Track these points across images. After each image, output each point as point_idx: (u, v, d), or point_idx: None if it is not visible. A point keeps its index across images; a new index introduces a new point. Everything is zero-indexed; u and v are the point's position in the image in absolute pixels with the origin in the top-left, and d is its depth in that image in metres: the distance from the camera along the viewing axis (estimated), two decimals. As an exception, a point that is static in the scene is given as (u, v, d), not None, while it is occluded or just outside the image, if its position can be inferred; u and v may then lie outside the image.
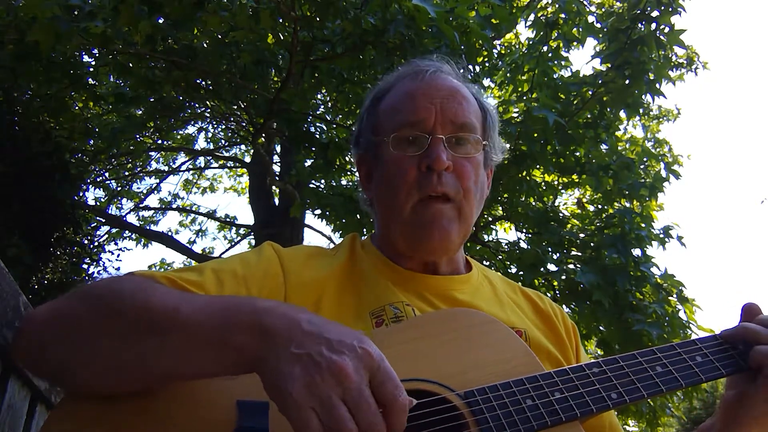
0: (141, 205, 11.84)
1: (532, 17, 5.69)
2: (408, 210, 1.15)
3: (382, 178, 1.20)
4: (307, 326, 0.78)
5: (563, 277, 5.22)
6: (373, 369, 0.75)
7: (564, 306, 5.65)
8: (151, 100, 6.45)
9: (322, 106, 7.79)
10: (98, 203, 10.46)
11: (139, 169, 11.10)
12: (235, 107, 7.64)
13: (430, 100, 1.17)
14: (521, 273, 5.27)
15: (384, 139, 1.19)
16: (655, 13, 4.72)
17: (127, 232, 10.89)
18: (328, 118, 6.84)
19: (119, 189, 11.26)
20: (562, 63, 5.67)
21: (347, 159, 5.96)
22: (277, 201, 9.15)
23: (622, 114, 5.49)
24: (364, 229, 5.55)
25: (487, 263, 6.65)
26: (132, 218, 11.62)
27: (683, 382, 0.97)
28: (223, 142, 11.12)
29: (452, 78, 1.24)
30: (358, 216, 5.57)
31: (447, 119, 1.16)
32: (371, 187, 1.27)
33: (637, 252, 5.16)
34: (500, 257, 6.36)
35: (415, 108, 1.17)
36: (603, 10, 5.83)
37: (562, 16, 5.34)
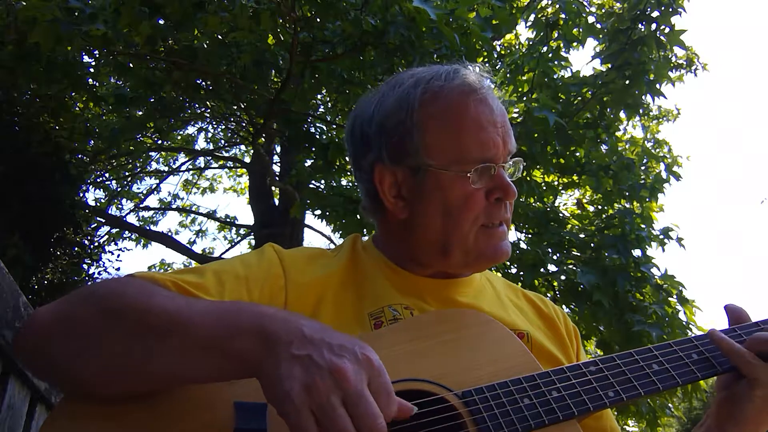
0: (141, 206, 11.87)
1: (532, 18, 5.69)
2: (472, 237, 1.12)
3: (441, 206, 1.12)
4: (309, 331, 0.78)
5: (563, 278, 5.21)
6: (372, 376, 0.75)
7: (564, 306, 5.64)
8: (151, 100, 6.45)
9: (322, 107, 7.79)
10: (98, 203, 10.47)
11: (139, 170, 11.12)
12: (235, 108, 7.64)
13: (496, 130, 1.13)
14: (521, 273, 5.27)
15: (450, 168, 1.11)
16: (655, 14, 4.72)
17: (127, 232, 10.91)
18: (328, 119, 6.84)
19: (119, 189, 11.27)
20: (563, 63, 5.66)
21: (347, 159, 5.96)
22: (277, 201, 9.16)
23: (622, 114, 5.49)
24: (364, 230, 5.54)
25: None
26: (132, 218, 11.67)
27: (680, 380, 0.97)
28: (223, 142, 11.14)
29: (496, 96, 1.20)
30: (358, 216, 5.56)
31: (507, 148, 1.16)
32: (402, 206, 1.16)
33: (637, 252, 5.16)
34: (500, 258, 6.35)
35: (487, 140, 1.12)
36: (603, 10, 5.82)
37: (562, 16, 5.34)
